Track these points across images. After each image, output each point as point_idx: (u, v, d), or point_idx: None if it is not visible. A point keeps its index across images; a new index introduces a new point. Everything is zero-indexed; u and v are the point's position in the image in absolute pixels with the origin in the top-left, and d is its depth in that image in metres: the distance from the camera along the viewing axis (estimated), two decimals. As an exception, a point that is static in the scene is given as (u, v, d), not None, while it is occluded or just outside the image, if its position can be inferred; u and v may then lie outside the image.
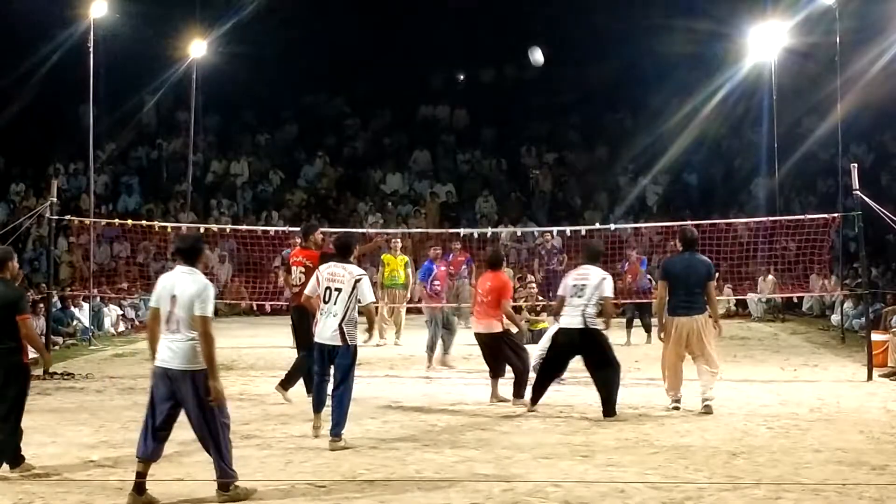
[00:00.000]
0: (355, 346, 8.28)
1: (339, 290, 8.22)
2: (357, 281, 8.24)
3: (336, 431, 8.12)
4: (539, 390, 9.88)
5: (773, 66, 20.09)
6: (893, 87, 22.38)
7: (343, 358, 8.22)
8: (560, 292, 9.88)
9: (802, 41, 20.37)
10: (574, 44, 29.60)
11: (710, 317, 9.71)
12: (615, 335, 16.04)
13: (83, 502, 6.65)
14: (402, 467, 7.50)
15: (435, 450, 8.13)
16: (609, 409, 9.47)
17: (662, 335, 9.82)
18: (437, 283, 13.55)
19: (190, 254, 6.72)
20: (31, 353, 7.61)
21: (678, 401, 9.80)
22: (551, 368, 10.03)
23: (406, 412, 9.83)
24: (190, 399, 6.51)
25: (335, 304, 8.21)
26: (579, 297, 9.57)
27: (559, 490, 6.80)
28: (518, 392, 10.15)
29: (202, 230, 20.03)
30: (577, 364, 12.82)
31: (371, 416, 9.42)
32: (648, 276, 16.74)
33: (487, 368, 10.58)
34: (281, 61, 28.83)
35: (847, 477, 7.14)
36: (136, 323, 18.94)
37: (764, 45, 20.26)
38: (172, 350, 6.51)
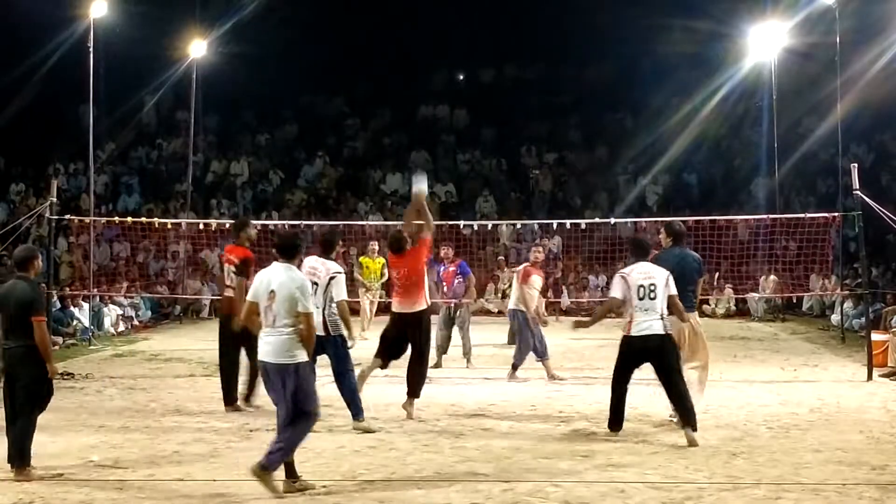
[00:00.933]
0: (342, 336, 8.78)
1: (315, 283, 8.44)
2: (332, 278, 8.69)
3: (357, 414, 8.79)
4: (618, 412, 8.74)
5: (773, 66, 20.09)
6: (893, 87, 22.39)
7: (333, 348, 8.73)
8: (618, 294, 8.50)
9: (802, 41, 20.37)
10: (574, 44, 29.60)
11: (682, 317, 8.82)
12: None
13: (83, 502, 6.65)
14: (402, 467, 7.50)
15: (435, 450, 8.13)
16: (692, 419, 8.31)
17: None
18: (443, 284, 13.58)
19: (289, 250, 6.96)
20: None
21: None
22: (625, 381, 8.72)
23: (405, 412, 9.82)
24: (285, 391, 6.69)
25: (314, 295, 8.21)
26: (651, 298, 8.36)
27: (559, 490, 6.80)
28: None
29: (202, 227, 20.10)
30: (577, 364, 12.82)
31: (371, 416, 9.41)
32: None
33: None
34: (281, 61, 28.84)
35: (847, 477, 7.14)
36: (136, 323, 18.95)
37: (764, 45, 20.27)
38: (270, 344, 6.75)
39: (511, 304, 12.22)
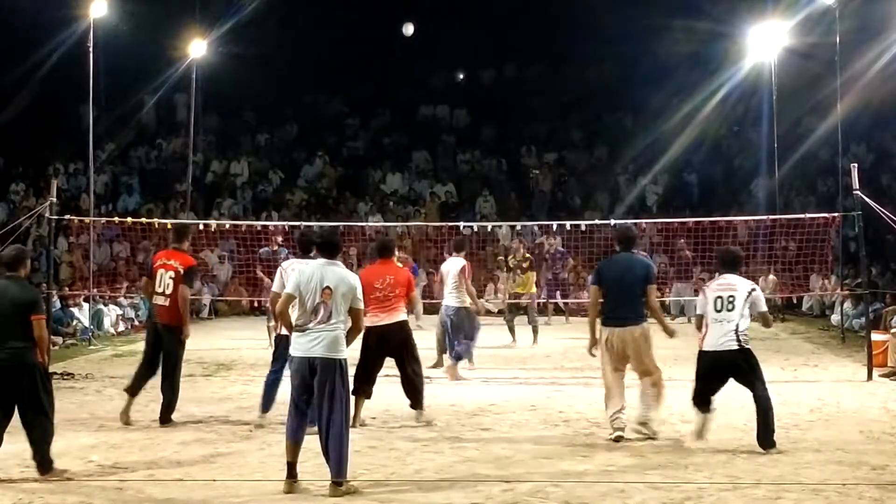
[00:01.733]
0: None
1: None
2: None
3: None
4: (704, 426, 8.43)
5: (773, 66, 20.08)
6: (893, 87, 22.39)
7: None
8: (699, 310, 8.40)
9: (802, 41, 20.35)
10: (574, 44, 29.59)
11: (658, 326, 8.59)
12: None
13: (83, 502, 6.65)
14: (402, 467, 7.50)
15: (435, 450, 8.13)
16: (769, 438, 8.07)
17: (593, 349, 8.56)
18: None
19: (332, 247, 7.02)
20: None
21: (622, 428, 8.33)
22: (706, 397, 8.40)
23: (406, 412, 9.82)
24: (329, 388, 6.65)
25: None
26: (729, 310, 8.16)
27: (559, 490, 6.80)
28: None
29: (202, 226, 20.09)
30: (577, 364, 12.83)
31: (371, 416, 9.42)
32: None
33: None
34: (281, 61, 28.84)
35: (847, 477, 7.14)
36: (136, 323, 18.94)
37: (764, 45, 20.26)
38: (321, 340, 6.69)
39: (454, 301, 12.42)
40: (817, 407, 10.06)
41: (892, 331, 13.02)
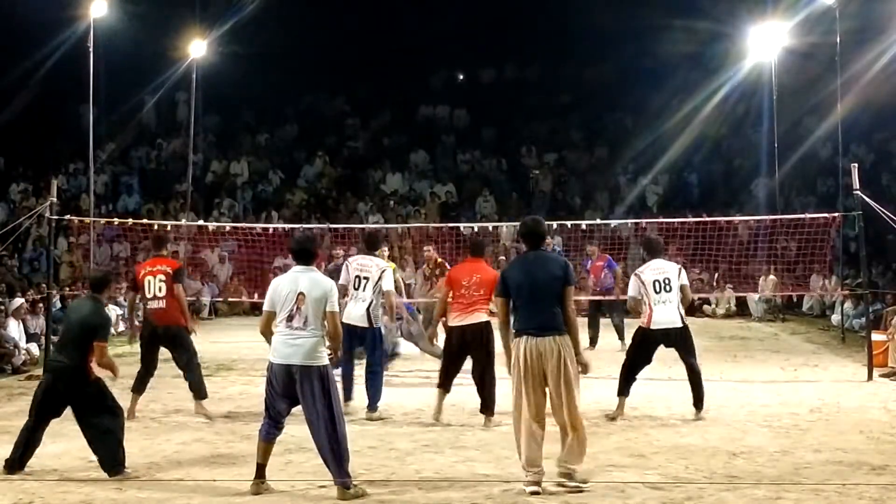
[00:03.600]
0: (380, 329, 9.71)
1: (367, 278, 9.55)
2: (383, 272, 9.67)
3: (373, 406, 9.46)
4: (626, 387, 9.57)
5: (773, 66, 20.09)
6: (893, 87, 22.37)
7: (370, 338, 9.57)
8: (634, 293, 9.43)
9: (802, 41, 20.35)
10: (574, 44, 29.60)
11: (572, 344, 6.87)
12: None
13: (83, 502, 6.65)
14: (402, 467, 7.50)
15: (435, 450, 8.13)
16: (701, 401, 9.43)
17: (510, 367, 6.94)
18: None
19: (306, 254, 6.98)
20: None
21: (538, 482, 6.73)
22: (638, 365, 9.59)
23: (406, 412, 9.82)
24: (312, 394, 6.65)
25: (363, 290, 9.56)
26: (668, 291, 9.26)
27: (559, 490, 6.79)
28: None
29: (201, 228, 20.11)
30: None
31: (361, 419, 9.42)
32: (612, 275, 16.11)
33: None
34: (281, 61, 28.82)
35: (847, 477, 7.14)
36: (137, 323, 18.89)
37: (764, 45, 20.26)
38: (298, 346, 6.70)
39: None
40: (817, 407, 10.05)
41: (891, 330, 12.98)
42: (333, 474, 6.65)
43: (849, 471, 7.34)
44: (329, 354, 6.93)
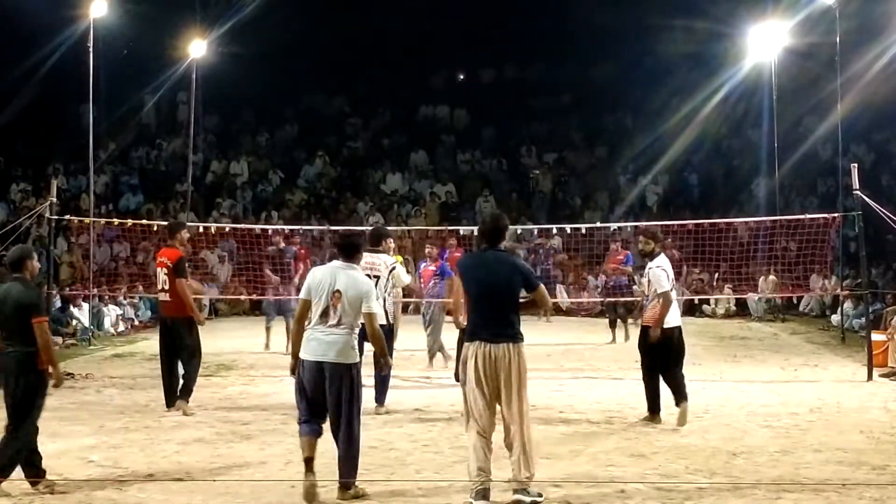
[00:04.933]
0: (390, 326, 9.63)
1: (377, 276, 9.36)
2: (392, 269, 9.76)
3: (381, 400, 9.64)
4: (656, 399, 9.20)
5: (773, 66, 20.09)
6: (893, 87, 22.38)
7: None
8: (668, 288, 9.08)
9: (802, 41, 20.35)
10: (574, 44, 29.60)
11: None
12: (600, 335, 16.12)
13: (83, 502, 6.65)
14: (402, 467, 7.50)
15: (435, 450, 8.13)
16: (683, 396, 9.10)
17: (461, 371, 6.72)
18: (421, 281, 13.73)
19: (350, 250, 6.93)
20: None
21: (486, 490, 6.41)
22: (656, 371, 9.22)
23: (406, 412, 9.82)
24: (339, 392, 6.58)
25: (375, 288, 8.98)
26: (673, 290, 9.29)
27: (559, 490, 6.80)
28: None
29: (201, 229, 20.09)
30: (577, 364, 12.83)
31: (371, 415, 9.41)
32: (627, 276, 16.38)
33: None
34: (281, 61, 28.82)
35: (847, 477, 7.14)
36: (136, 323, 18.95)
37: (764, 45, 20.26)
38: (330, 344, 6.61)
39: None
40: (817, 407, 10.05)
41: (891, 330, 12.98)
42: (340, 472, 6.64)
43: (849, 471, 7.33)
44: (381, 363, 7.05)
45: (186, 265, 9.82)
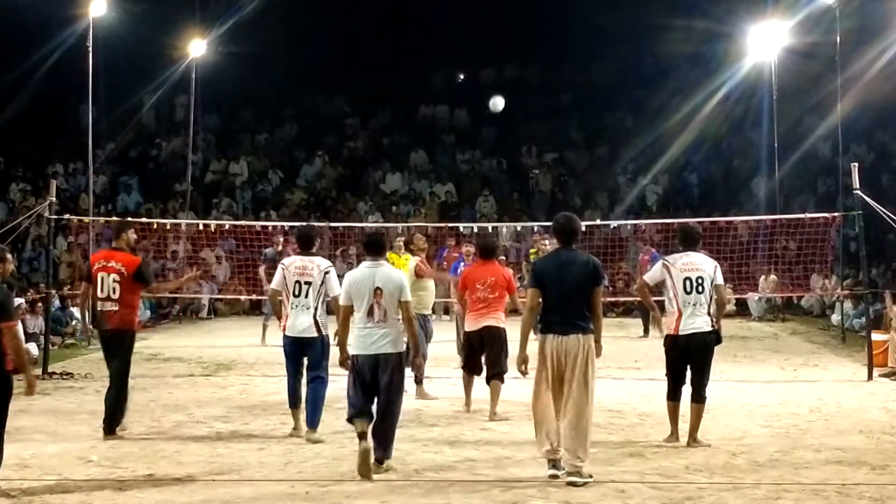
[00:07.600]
0: (328, 337, 8.39)
1: (308, 283, 8.32)
2: (326, 274, 8.38)
3: (314, 423, 8.36)
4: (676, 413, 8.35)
5: (773, 66, 20.08)
6: (893, 87, 22.38)
7: (317, 349, 8.41)
8: (653, 278, 8.39)
9: (802, 41, 20.35)
10: (574, 44, 29.60)
11: (595, 340, 7.10)
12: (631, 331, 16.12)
13: (83, 502, 6.64)
14: (402, 467, 7.49)
15: (435, 450, 8.12)
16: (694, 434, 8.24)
17: (523, 366, 7.18)
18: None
19: (377, 247, 7.52)
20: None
21: (556, 462, 6.98)
22: (680, 381, 8.25)
23: (406, 412, 9.78)
24: (390, 379, 7.22)
25: (306, 297, 8.36)
26: (699, 292, 8.01)
27: (559, 490, 6.79)
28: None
29: (201, 226, 20.09)
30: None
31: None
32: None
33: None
34: (281, 61, 28.82)
35: (847, 477, 7.14)
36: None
37: (764, 44, 20.26)
38: (386, 337, 7.23)
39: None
40: (817, 407, 10.05)
41: (891, 329, 12.96)
42: (376, 449, 7.14)
43: (849, 471, 7.33)
44: (414, 358, 7.83)
45: (151, 269, 8.76)
